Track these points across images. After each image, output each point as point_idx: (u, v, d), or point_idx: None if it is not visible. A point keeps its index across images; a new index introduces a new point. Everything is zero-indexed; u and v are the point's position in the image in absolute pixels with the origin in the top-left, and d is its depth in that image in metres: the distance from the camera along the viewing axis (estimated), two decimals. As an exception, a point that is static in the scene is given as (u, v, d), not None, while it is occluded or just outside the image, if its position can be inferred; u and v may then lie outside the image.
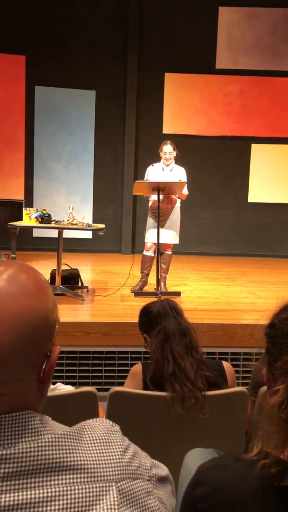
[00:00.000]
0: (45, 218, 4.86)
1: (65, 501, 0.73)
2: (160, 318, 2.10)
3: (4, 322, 0.74)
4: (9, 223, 5.24)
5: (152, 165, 5.16)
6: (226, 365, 2.11)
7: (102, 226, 5.21)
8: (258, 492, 0.87)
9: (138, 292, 4.99)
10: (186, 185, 4.90)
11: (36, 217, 4.89)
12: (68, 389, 1.95)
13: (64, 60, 8.23)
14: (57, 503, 0.72)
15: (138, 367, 2.06)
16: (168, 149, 5.05)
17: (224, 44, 8.49)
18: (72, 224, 4.92)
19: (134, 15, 8.27)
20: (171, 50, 8.39)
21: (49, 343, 0.81)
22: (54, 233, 5.14)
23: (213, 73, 8.48)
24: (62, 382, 2.09)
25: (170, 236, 5.07)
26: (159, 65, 8.40)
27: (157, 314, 2.12)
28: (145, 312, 2.22)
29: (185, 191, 4.94)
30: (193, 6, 8.32)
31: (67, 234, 5.37)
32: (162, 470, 0.93)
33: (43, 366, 0.80)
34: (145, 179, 5.10)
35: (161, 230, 4.85)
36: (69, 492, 0.73)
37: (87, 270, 6.74)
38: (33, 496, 0.71)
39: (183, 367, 1.91)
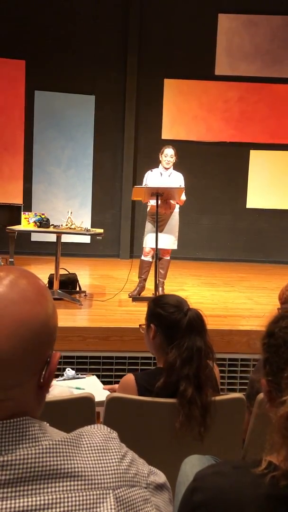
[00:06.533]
0: (43, 223, 4.86)
1: (62, 509, 0.72)
2: (190, 331, 1.85)
3: (5, 327, 0.74)
4: (8, 227, 5.25)
5: (151, 171, 5.17)
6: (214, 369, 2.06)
7: (101, 230, 5.21)
8: (257, 501, 0.86)
9: (136, 297, 4.99)
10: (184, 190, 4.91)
11: (34, 222, 4.89)
12: (68, 385, 1.93)
13: (64, 65, 8.26)
14: (54, 510, 0.72)
15: (130, 379, 1.92)
16: (170, 152, 5.06)
17: (223, 50, 8.53)
18: (70, 228, 4.92)
19: (134, 21, 8.31)
20: (170, 56, 8.43)
21: (49, 348, 0.81)
22: (52, 238, 5.14)
23: (212, 79, 8.52)
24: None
25: (168, 241, 5.07)
26: (159, 71, 8.43)
27: (187, 324, 1.87)
28: (161, 303, 1.98)
29: (182, 197, 4.94)
30: (193, 12, 8.36)
31: (65, 238, 5.37)
32: (160, 477, 0.93)
33: (43, 372, 0.80)
34: (143, 184, 5.11)
35: (159, 235, 4.84)
36: (66, 500, 0.73)
37: (85, 274, 6.74)
38: (30, 503, 0.71)
39: (198, 392, 1.80)
